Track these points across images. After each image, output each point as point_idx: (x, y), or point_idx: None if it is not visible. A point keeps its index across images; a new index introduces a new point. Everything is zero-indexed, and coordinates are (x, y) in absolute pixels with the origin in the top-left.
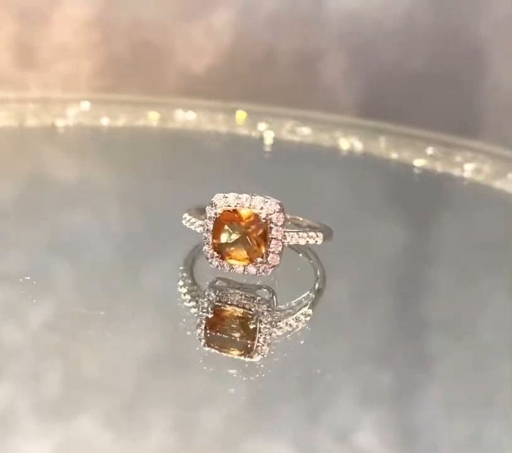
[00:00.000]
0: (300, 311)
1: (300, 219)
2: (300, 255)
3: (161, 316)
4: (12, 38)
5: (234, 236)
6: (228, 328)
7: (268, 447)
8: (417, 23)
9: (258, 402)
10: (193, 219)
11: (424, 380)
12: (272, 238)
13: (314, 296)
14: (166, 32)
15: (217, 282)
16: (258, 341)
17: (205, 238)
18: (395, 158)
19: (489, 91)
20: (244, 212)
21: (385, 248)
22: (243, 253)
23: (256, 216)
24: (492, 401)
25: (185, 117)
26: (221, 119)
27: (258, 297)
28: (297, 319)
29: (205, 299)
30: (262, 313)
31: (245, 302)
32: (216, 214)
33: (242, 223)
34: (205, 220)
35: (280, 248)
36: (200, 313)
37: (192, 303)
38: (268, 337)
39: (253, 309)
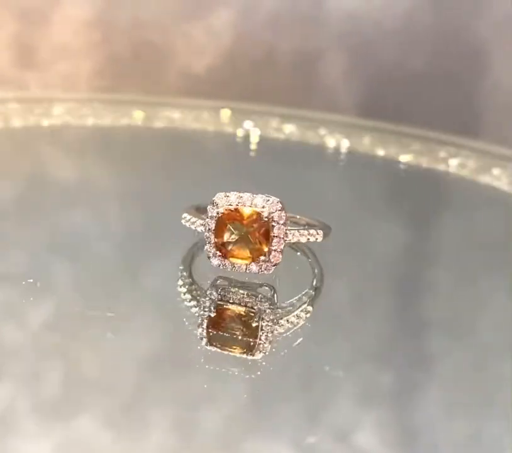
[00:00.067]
0: (301, 308)
1: (298, 217)
2: (299, 253)
3: (162, 315)
4: (12, 38)
5: (237, 235)
6: (231, 327)
7: (268, 447)
8: (418, 23)
9: (258, 402)
10: (193, 219)
11: (424, 380)
12: (274, 236)
13: (313, 292)
14: (166, 32)
15: (219, 281)
16: (260, 339)
17: (207, 238)
18: (382, 155)
19: (489, 91)
20: (246, 211)
21: (382, 247)
22: (245, 252)
23: (258, 214)
24: (492, 401)
25: (171, 115)
26: (207, 117)
27: (259, 295)
28: (297, 317)
29: (207, 298)
30: (264, 311)
31: (247, 300)
32: (218, 213)
33: (244, 222)
34: (207, 219)
35: (282, 246)
36: (202, 312)
37: (193, 303)
38: (270, 335)
39: (255, 307)
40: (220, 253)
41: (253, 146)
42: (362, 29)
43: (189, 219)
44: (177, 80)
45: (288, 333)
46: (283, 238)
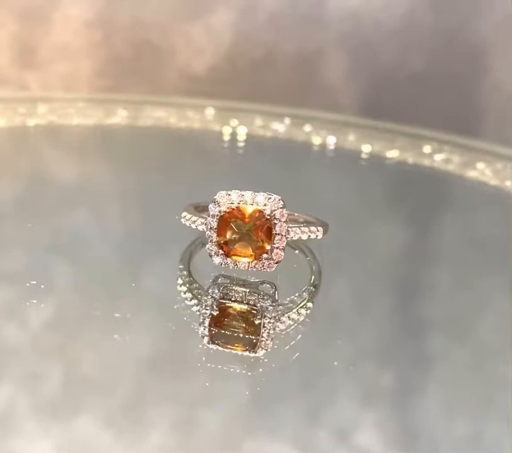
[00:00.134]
0: (301, 305)
1: (296, 214)
2: (297, 251)
3: (162, 315)
4: (12, 38)
5: (239, 233)
6: (233, 325)
7: (268, 447)
8: (418, 23)
9: (258, 401)
10: (194, 218)
11: (424, 380)
12: (276, 233)
13: (313, 289)
14: (166, 32)
15: (220, 279)
16: (263, 336)
17: (208, 236)
18: (369, 151)
19: (489, 91)
20: (247, 209)
21: (378, 245)
22: (247, 250)
23: (260, 212)
24: (492, 401)
25: (154, 114)
26: (191, 115)
27: (261, 293)
28: (298, 313)
29: (209, 297)
30: (267, 308)
31: (249, 298)
32: (220, 212)
33: (245, 220)
34: (208, 218)
35: (284, 244)
36: (204, 311)
37: (194, 301)
38: (271, 332)
39: (257, 305)
40: (222, 252)
41: (242, 144)
42: (362, 29)
43: (189, 218)
44: (177, 80)
45: (289, 330)
46: (285, 236)
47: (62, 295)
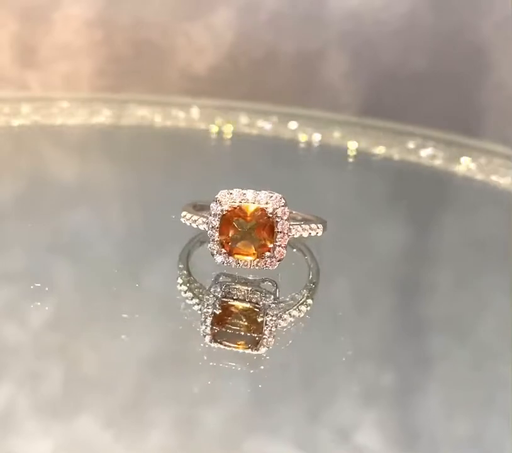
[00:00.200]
0: (301, 302)
1: (294, 212)
2: (295, 250)
3: (163, 314)
4: (13, 38)
5: (241, 232)
6: (235, 323)
7: (269, 446)
8: (419, 23)
9: (259, 400)
10: (194, 217)
11: (425, 380)
12: (278, 231)
13: (313, 285)
14: (167, 31)
15: (221, 278)
16: (265, 334)
17: (210, 235)
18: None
19: (491, 91)
20: (249, 207)
21: (376, 244)
22: (250, 249)
23: (262, 210)
24: (492, 401)
25: (138, 113)
26: (176, 114)
27: (263, 291)
28: (299, 310)
29: (211, 295)
30: (269, 306)
31: (252, 296)
32: (222, 211)
33: (247, 218)
34: (210, 217)
35: (286, 242)
36: (206, 309)
37: (195, 300)
38: (273, 329)
39: (260, 303)
40: (224, 251)
41: (228, 143)
42: (363, 29)
43: (190, 218)
44: (178, 80)
45: (290, 327)
46: (287, 234)
47: (63, 294)
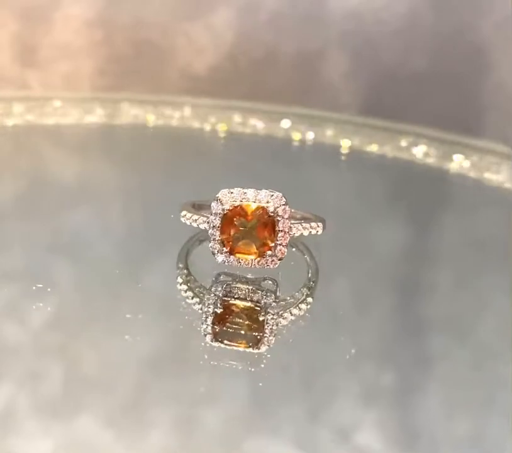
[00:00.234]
0: (301, 300)
1: (292, 210)
2: (293, 249)
3: (163, 314)
4: (13, 37)
5: (242, 231)
6: (236, 322)
7: (269, 446)
8: (420, 23)
9: (259, 400)
10: (194, 216)
11: (425, 380)
12: (279, 230)
13: (313, 283)
14: (167, 31)
15: (222, 277)
16: (266, 333)
17: (212, 235)
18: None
19: (491, 91)
20: (250, 206)
21: (374, 243)
22: (251, 248)
23: (263, 209)
24: (493, 401)
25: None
26: (170, 114)
27: (264, 290)
28: (299, 308)
29: (212, 295)
30: (270, 305)
31: (253, 295)
32: (223, 210)
33: (248, 218)
34: (211, 216)
35: (287, 240)
36: (206, 309)
37: (196, 299)
38: (274, 327)
39: (261, 302)
40: (226, 250)
41: (223, 141)
42: (364, 29)
43: (190, 217)
44: (178, 79)
45: (290, 325)
46: (288, 232)
47: (63, 294)
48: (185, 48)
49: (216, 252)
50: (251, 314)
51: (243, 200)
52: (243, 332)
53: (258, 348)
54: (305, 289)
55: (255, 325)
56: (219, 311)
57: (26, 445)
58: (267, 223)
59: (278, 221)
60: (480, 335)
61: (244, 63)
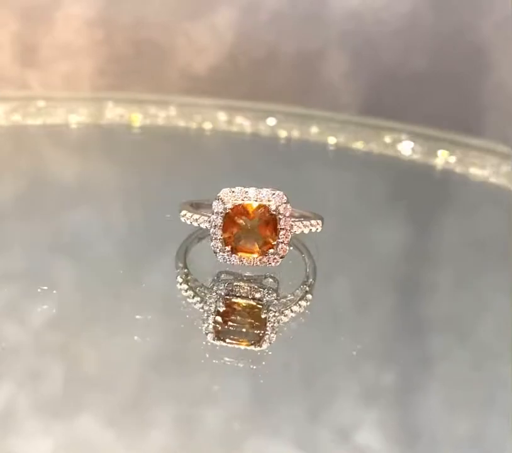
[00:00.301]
0: (301, 297)
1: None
2: (291, 248)
3: (164, 313)
4: (14, 37)
5: (244, 230)
6: (239, 320)
7: (269, 446)
8: (420, 23)
9: (260, 400)
10: (195, 216)
11: (425, 380)
12: (281, 228)
13: (312, 281)
14: (168, 31)
15: (223, 276)
16: (267, 330)
17: (213, 234)
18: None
19: (491, 91)
20: (252, 205)
21: (373, 241)
22: (253, 246)
23: (265, 208)
24: (493, 401)
25: (114, 112)
26: (155, 113)
27: (266, 288)
28: (299, 305)
29: (213, 293)
30: (272, 302)
31: (255, 293)
32: (225, 209)
33: (250, 216)
34: (212, 215)
35: (289, 238)
36: (208, 307)
37: (197, 299)
38: (276, 325)
39: (263, 300)
40: (228, 249)
41: (214, 139)
42: (364, 29)
43: (191, 216)
44: (179, 79)
45: (291, 322)
46: (289, 230)
47: (63, 294)
48: (185, 48)
49: (218, 251)
50: (253, 312)
51: (245, 199)
52: (244, 330)
53: (260, 346)
54: (304, 286)
55: (257, 323)
56: (221, 309)
57: (27, 444)
58: (269, 221)
59: (280, 219)
60: (480, 335)
61: (244, 63)
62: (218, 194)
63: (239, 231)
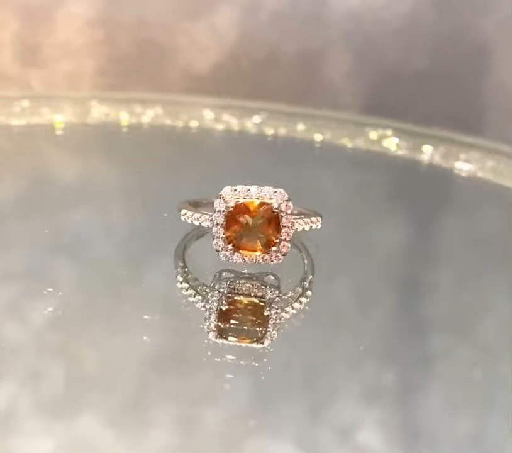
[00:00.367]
0: (301, 294)
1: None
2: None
3: (164, 312)
4: (14, 37)
5: (246, 228)
6: (241, 318)
7: (270, 445)
8: (421, 22)
9: (260, 400)
10: (196, 214)
11: (426, 379)
12: (283, 226)
13: (312, 277)
14: (169, 30)
15: (224, 274)
16: (269, 327)
17: (216, 232)
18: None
19: (492, 90)
20: (253, 203)
21: (371, 240)
22: (256, 244)
23: (267, 206)
24: (493, 401)
25: (100, 111)
26: (140, 111)
27: (268, 285)
28: (299, 302)
29: (215, 292)
30: (274, 300)
31: (257, 290)
32: (227, 207)
33: (252, 214)
34: (214, 214)
35: (290, 236)
36: (210, 306)
37: (198, 297)
38: (278, 322)
39: (265, 297)
40: (230, 247)
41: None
42: (365, 28)
43: (192, 215)
44: (180, 79)
45: (292, 319)
46: (291, 228)
47: (64, 293)
48: (187, 47)
49: (220, 250)
50: (255, 310)
51: (246, 197)
52: (246, 328)
53: (262, 343)
54: (304, 282)
55: (259, 320)
56: (223, 307)
57: (27, 444)
58: (271, 219)
59: (282, 217)
60: (481, 335)
61: (246, 63)
62: (220, 193)
63: (241, 230)
